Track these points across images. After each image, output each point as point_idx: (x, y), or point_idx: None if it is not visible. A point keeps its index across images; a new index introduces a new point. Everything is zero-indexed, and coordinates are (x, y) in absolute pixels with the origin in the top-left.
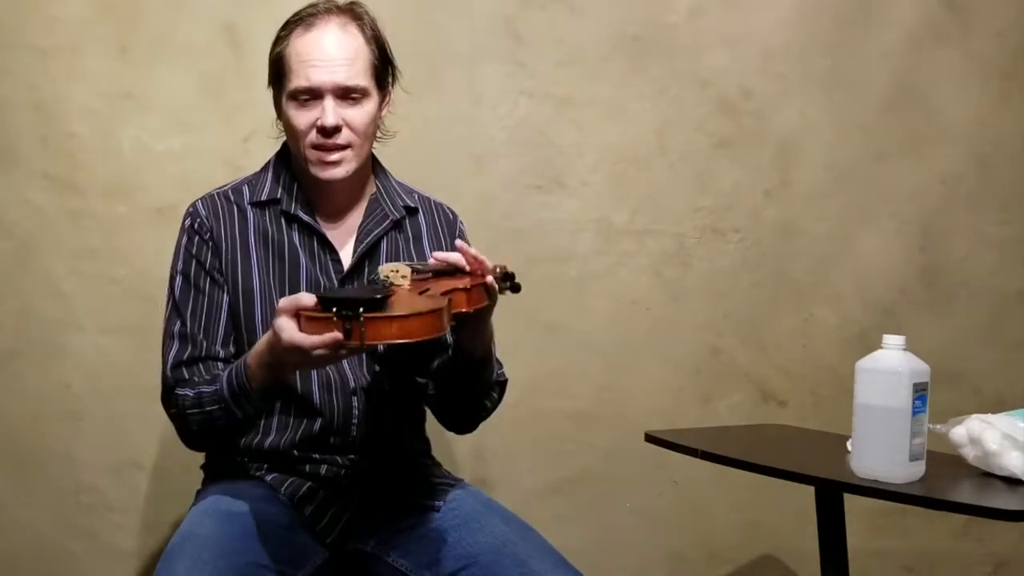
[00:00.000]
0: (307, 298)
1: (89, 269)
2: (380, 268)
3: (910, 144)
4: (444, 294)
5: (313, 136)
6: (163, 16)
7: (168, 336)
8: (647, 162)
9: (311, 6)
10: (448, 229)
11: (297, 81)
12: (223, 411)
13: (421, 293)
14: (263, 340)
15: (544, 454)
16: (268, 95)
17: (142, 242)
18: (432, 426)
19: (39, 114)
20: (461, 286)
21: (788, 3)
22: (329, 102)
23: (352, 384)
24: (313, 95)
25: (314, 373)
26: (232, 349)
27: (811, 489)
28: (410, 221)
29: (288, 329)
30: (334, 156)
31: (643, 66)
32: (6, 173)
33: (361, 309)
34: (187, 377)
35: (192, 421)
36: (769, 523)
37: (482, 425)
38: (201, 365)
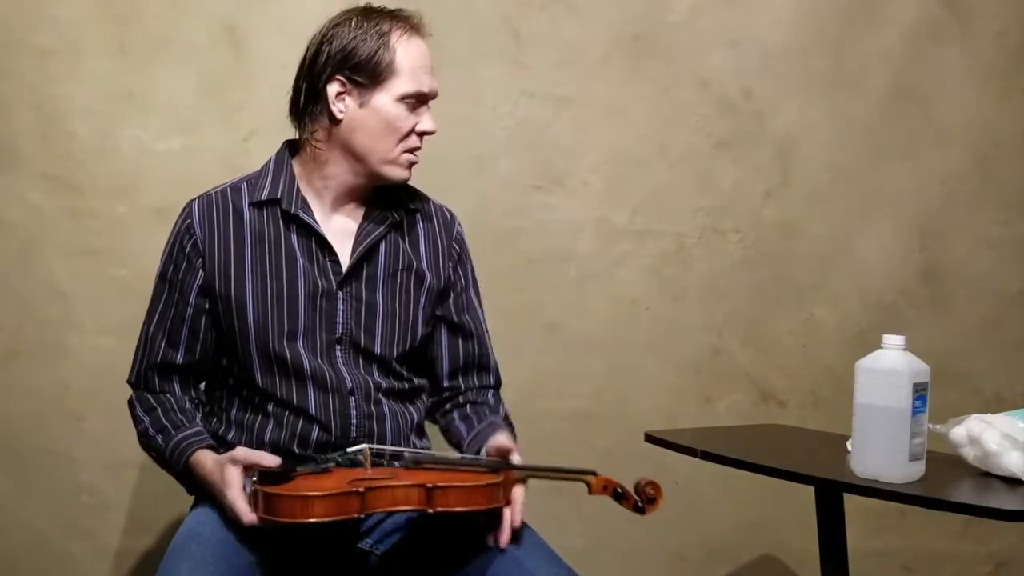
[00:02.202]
0: (269, 459)
1: (89, 269)
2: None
3: (910, 144)
4: (396, 486)
5: (413, 139)
6: (163, 16)
7: (141, 331)
8: (647, 162)
9: (402, 11)
10: (445, 230)
11: (416, 86)
12: (158, 459)
13: (354, 480)
14: (215, 469)
15: (544, 454)
16: (267, 95)
17: (142, 242)
18: (432, 426)
19: (39, 114)
20: (430, 483)
21: (788, 3)
22: (429, 109)
23: (349, 384)
24: (421, 101)
25: (310, 375)
26: (196, 356)
27: (811, 489)
28: (408, 222)
29: (234, 481)
30: (417, 157)
31: (643, 66)
32: (6, 173)
33: (255, 478)
34: (142, 387)
35: (136, 432)
36: (769, 523)
37: None
38: (156, 371)
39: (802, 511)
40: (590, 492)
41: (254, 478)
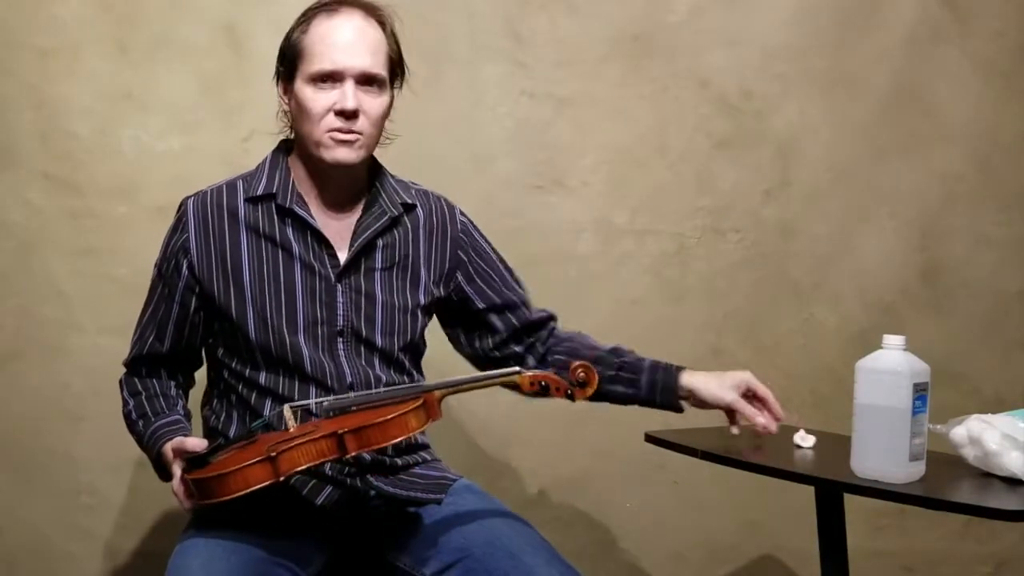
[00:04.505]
0: (192, 444)
1: (89, 269)
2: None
3: (910, 144)
4: (306, 442)
5: (330, 119)
6: (163, 16)
7: (138, 319)
8: (647, 162)
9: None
10: (447, 223)
11: (320, 64)
12: (137, 443)
13: (269, 446)
14: (168, 455)
15: (544, 454)
16: (267, 95)
17: (142, 242)
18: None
19: (39, 114)
20: (342, 428)
21: (788, 3)
22: (350, 86)
23: (349, 379)
24: (334, 79)
25: (310, 371)
26: (182, 349)
27: (811, 489)
28: (408, 217)
29: (176, 472)
30: (349, 136)
31: (643, 66)
32: (6, 173)
33: (183, 465)
34: (130, 372)
35: (122, 411)
36: (769, 523)
37: (482, 425)
38: (145, 361)
39: (802, 511)
40: (522, 392)
41: (183, 466)
